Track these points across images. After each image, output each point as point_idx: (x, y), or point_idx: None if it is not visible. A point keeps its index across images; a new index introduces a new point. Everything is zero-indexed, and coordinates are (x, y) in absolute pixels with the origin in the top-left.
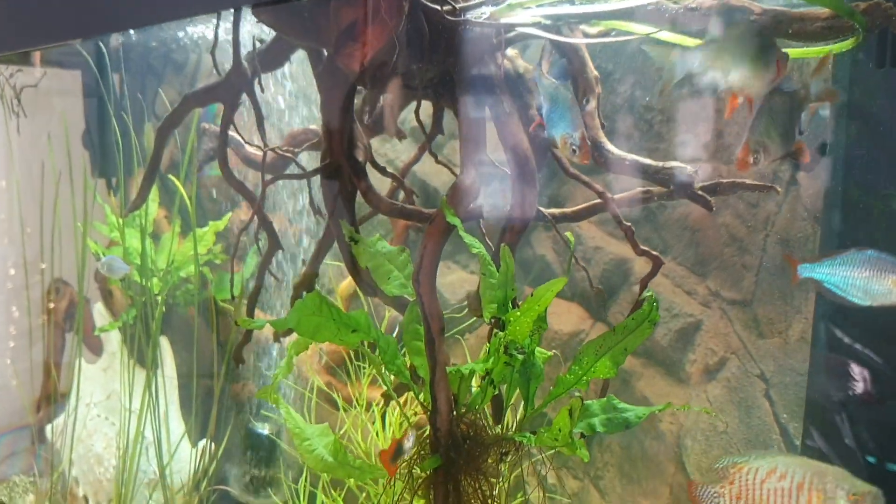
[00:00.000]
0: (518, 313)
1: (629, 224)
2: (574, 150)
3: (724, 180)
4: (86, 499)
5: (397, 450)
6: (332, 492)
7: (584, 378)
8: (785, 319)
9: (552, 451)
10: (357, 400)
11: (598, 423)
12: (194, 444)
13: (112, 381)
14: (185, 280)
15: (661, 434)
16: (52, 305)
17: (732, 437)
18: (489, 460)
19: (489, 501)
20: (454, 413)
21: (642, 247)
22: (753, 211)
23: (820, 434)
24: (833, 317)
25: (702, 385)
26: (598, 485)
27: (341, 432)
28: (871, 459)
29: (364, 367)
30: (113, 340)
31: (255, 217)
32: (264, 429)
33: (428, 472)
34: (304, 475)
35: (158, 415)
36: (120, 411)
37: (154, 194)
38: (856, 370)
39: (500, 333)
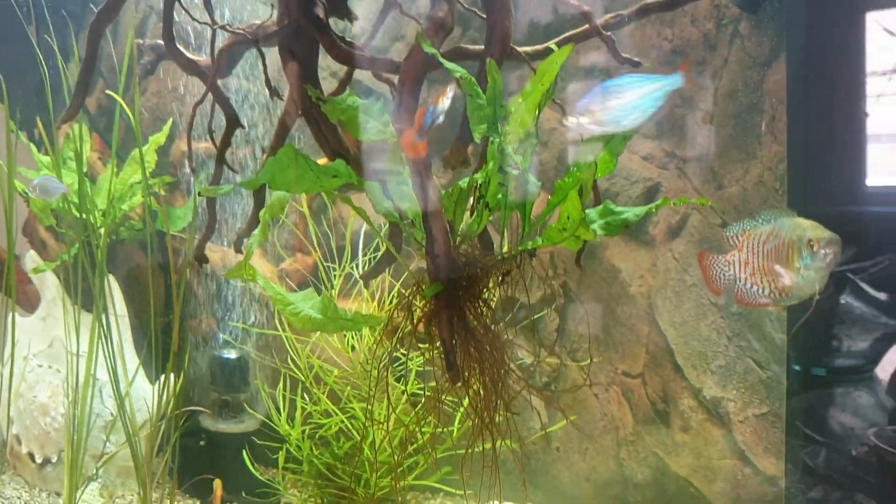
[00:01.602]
0: (520, 99)
1: (609, 34)
2: None
3: None
4: (31, 455)
5: (428, 115)
6: (315, 389)
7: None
8: (742, 166)
9: (526, 330)
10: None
11: (598, 228)
12: (154, 382)
13: (53, 329)
14: (129, 217)
15: (633, 297)
16: None
17: (702, 289)
18: (490, 283)
19: (493, 326)
20: (451, 243)
21: (623, 55)
22: (701, 67)
23: None
24: None
25: (667, 244)
26: (575, 357)
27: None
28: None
29: (336, 271)
30: (51, 286)
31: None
32: (231, 353)
33: (429, 304)
34: (279, 384)
35: (113, 353)
36: (66, 357)
37: (85, 135)
38: None
39: (497, 140)
